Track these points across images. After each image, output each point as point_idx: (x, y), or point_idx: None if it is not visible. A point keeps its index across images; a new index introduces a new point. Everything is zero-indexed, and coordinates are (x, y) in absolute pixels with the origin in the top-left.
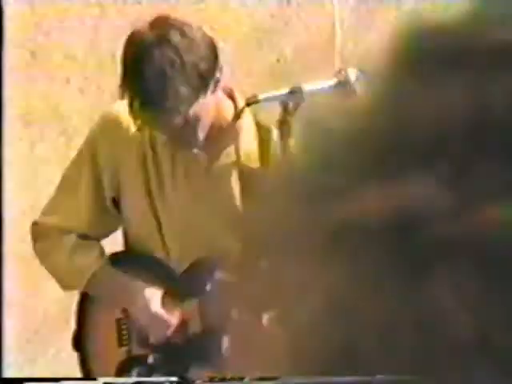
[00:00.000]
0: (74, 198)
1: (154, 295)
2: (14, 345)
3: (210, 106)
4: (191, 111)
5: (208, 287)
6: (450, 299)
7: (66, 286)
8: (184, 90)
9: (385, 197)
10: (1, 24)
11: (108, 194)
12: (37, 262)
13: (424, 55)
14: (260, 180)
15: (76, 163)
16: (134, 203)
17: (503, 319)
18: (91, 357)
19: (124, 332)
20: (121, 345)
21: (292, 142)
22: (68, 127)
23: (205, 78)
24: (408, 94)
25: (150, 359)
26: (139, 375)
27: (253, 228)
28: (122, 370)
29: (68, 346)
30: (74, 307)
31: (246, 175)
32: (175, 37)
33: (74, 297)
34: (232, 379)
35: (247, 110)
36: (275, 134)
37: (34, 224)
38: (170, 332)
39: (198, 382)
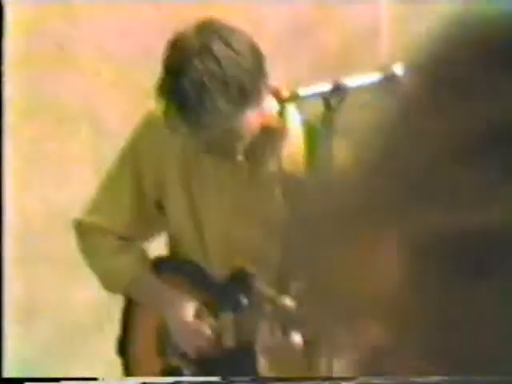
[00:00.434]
0: (116, 199)
1: (187, 305)
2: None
3: (253, 117)
4: (230, 125)
5: (245, 301)
6: None
7: (106, 288)
8: (223, 105)
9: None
10: (1, 21)
11: (151, 196)
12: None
13: (473, 53)
14: (304, 189)
15: (119, 163)
16: (176, 208)
17: None
18: (132, 363)
19: (163, 341)
20: (159, 354)
21: (336, 141)
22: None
23: (247, 92)
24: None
25: (185, 372)
26: None
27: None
28: None
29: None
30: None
31: (289, 183)
32: (219, 46)
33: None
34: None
35: (292, 109)
36: (322, 133)
37: (77, 222)
38: (202, 343)
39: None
